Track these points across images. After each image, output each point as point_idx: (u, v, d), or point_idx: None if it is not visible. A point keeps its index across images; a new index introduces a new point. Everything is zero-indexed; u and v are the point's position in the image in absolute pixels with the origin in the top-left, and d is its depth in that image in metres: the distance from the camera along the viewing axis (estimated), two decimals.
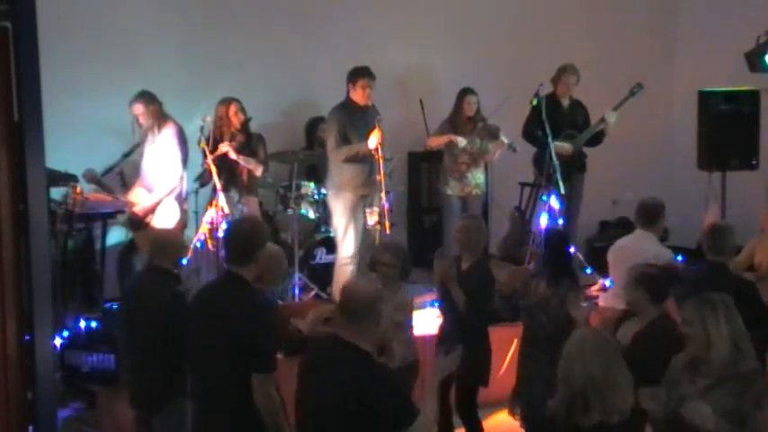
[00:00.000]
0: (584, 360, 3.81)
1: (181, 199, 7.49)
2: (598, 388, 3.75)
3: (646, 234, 6.42)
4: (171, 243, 5.45)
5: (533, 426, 5.34)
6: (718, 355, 4.13)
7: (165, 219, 7.36)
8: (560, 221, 8.25)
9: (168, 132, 7.43)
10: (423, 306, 7.64)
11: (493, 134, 8.51)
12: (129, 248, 7.69)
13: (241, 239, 4.53)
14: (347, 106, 7.85)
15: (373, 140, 7.58)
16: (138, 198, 7.46)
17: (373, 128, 7.65)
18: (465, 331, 5.91)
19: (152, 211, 7.38)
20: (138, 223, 7.43)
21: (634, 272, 5.05)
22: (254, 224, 4.84)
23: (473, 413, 6.06)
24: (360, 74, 7.77)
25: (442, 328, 6.18)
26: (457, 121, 8.53)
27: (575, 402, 3.78)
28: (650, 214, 6.47)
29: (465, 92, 8.51)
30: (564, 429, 3.81)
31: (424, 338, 6.47)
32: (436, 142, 8.59)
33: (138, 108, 7.39)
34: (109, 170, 7.53)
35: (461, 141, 8.41)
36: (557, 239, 5.90)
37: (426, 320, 7.13)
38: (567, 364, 3.87)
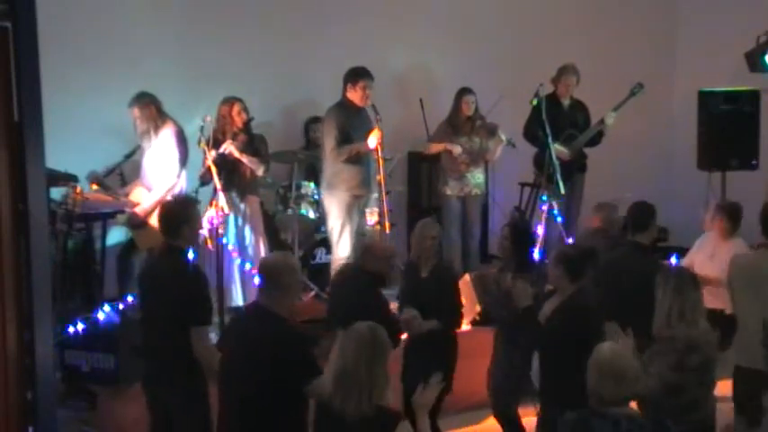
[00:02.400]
0: (345, 350, 4.00)
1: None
2: (350, 379, 3.94)
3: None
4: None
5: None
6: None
7: None
8: (560, 221, 8.27)
9: (167, 133, 7.43)
10: None
11: (491, 132, 8.52)
12: (128, 248, 7.69)
13: (169, 217, 5.20)
14: (345, 106, 7.85)
15: (373, 140, 7.59)
16: (139, 197, 7.47)
17: (372, 128, 7.66)
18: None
19: (152, 211, 7.39)
20: (136, 223, 7.43)
21: (556, 251, 5.41)
22: (181, 203, 5.53)
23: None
24: (360, 75, 7.78)
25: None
26: (456, 122, 8.53)
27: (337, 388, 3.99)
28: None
29: (463, 92, 8.52)
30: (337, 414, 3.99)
31: None
32: (434, 150, 8.63)
33: (134, 112, 7.40)
34: (111, 171, 7.55)
35: (457, 149, 8.43)
36: (521, 233, 6.07)
37: None
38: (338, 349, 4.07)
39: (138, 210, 7.39)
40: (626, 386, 3.87)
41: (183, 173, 7.54)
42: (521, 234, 6.04)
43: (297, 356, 4.36)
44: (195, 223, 5.28)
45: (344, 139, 7.76)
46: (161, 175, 7.41)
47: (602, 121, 8.67)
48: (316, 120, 8.87)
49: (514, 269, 5.85)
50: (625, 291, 5.62)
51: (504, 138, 8.46)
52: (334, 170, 7.85)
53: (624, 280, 5.75)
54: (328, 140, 7.85)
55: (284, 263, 4.63)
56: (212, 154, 7.35)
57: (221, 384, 4.66)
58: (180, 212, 5.22)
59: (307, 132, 8.99)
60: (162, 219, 5.26)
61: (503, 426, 6.09)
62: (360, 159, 7.80)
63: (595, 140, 8.82)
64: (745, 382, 5.48)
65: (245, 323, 4.67)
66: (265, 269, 4.62)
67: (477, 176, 8.61)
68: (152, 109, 7.40)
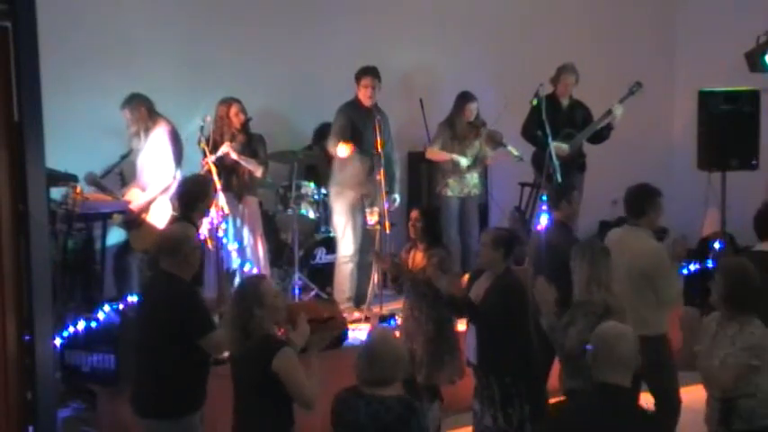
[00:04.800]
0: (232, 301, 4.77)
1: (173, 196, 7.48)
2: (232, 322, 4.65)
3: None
4: None
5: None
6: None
7: (158, 217, 7.38)
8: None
9: (160, 131, 7.43)
10: None
11: (496, 141, 8.51)
12: (125, 248, 7.69)
13: (187, 192, 6.20)
14: (353, 105, 7.91)
15: (343, 149, 7.64)
16: (133, 198, 7.49)
17: (374, 128, 7.68)
18: None
19: (146, 209, 7.40)
20: (132, 223, 7.44)
21: (492, 236, 5.97)
22: (200, 181, 6.49)
23: None
24: (363, 72, 7.84)
25: None
26: (457, 126, 8.50)
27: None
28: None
29: (466, 99, 8.47)
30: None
31: None
32: (437, 157, 8.58)
33: (126, 114, 7.43)
34: (108, 172, 7.56)
35: (464, 162, 8.41)
36: (430, 216, 6.57)
37: None
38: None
39: (132, 206, 7.40)
40: (381, 369, 4.17)
41: (178, 172, 7.53)
42: (430, 217, 6.53)
43: (190, 312, 4.96)
44: (210, 199, 6.21)
45: (343, 137, 7.80)
46: (156, 173, 7.41)
47: (609, 113, 8.63)
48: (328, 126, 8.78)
49: (426, 247, 6.38)
50: (544, 260, 6.37)
51: (515, 153, 8.47)
52: (340, 168, 7.89)
53: (544, 252, 6.50)
54: (333, 132, 7.97)
55: (182, 234, 5.25)
56: (212, 158, 7.36)
57: (135, 340, 5.29)
58: (198, 190, 6.14)
59: (319, 137, 8.90)
60: (180, 194, 6.21)
61: (422, 393, 6.34)
62: (364, 159, 7.82)
63: (603, 135, 8.79)
64: None
65: (151, 285, 5.31)
66: (166, 240, 5.23)
67: (474, 177, 8.63)
68: (142, 110, 7.42)
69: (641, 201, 6.11)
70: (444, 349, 6.24)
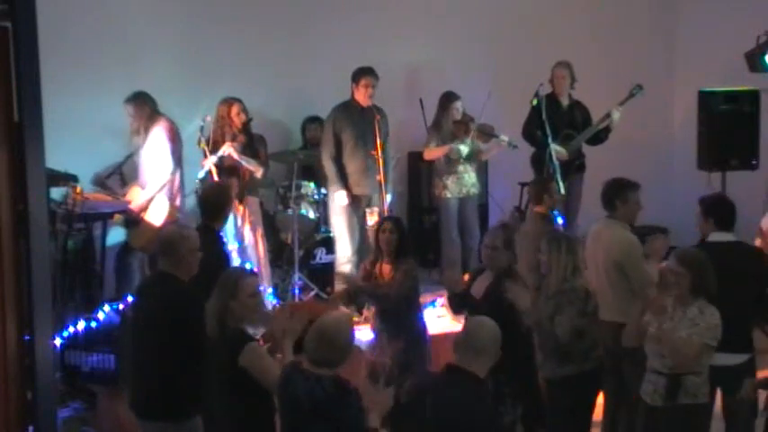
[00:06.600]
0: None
1: (173, 195, 7.48)
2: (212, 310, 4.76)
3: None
4: None
5: None
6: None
7: (156, 215, 7.39)
8: (560, 221, 8.26)
9: (158, 129, 7.44)
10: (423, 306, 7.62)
11: (488, 133, 8.51)
12: (125, 248, 7.69)
13: (213, 200, 6.13)
14: (348, 106, 7.90)
15: (341, 197, 7.82)
16: (134, 196, 7.50)
17: (373, 129, 7.68)
18: None
19: (145, 207, 7.42)
20: (132, 221, 7.45)
21: (499, 238, 5.99)
22: (223, 188, 6.50)
23: None
24: (363, 73, 7.85)
25: None
26: (445, 127, 8.51)
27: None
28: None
29: (449, 99, 8.51)
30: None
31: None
32: (435, 154, 8.57)
33: (129, 110, 7.44)
34: (113, 172, 7.61)
35: (463, 149, 8.41)
36: (403, 226, 6.45)
37: (427, 320, 7.12)
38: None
39: (132, 206, 7.41)
40: (328, 350, 4.21)
41: (177, 170, 7.54)
42: (403, 227, 6.39)
43: (196, 312, 4.86)
44: (231, 206, 6.27)
45: (336, 141, 7.84)
46: (154, 171, 7.42)
47: (608, 116, 8.64)
48: (313, 120, 8.87)
49: (395, 258, 6.18)
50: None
51: (506, 139, 8.45)
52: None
53: (524, 243, 6.56)
54: (322, 142, 7.97)
55: (179, 234, 5.16)
56: (212, 158, 7.36)
57: (132, 342, 5.28)
58: (222, 199, 6.11)
59: (304, 132, 8.99)
60: (203, 204, 6.16)
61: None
62: (361, 159, 7.82)
63: (601, 137, 8.80)
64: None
65: (148, 286, 5.31)
66: (163, 241, 5.17)
67: (471, 176, 8.63)
68: (146, 108, 7.42)
69: (615, 194, 6.36)
70: (415, 359, 6.07)
